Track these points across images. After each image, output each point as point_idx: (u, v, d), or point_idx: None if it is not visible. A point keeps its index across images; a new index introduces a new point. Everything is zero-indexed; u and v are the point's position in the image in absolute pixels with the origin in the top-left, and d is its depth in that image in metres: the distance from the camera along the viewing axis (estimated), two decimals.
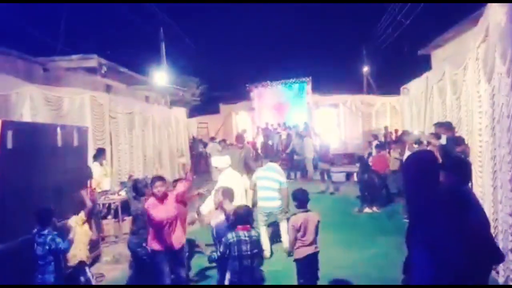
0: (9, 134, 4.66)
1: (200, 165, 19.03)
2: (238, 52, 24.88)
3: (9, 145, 4.68)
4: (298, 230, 5.14)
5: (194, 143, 20.73)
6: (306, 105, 23.14)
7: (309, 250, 5.23)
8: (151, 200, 5.31)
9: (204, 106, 23.27)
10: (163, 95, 19.26)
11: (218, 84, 23.15)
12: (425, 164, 3.14)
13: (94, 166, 9.18)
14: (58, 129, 5.88)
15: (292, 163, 16.34)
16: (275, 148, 17.04)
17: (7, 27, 9.95)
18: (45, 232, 4.65)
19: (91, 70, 12.23)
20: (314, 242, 5.28)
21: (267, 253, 7.17)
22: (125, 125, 12.19)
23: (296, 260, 5.27)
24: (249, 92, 23.97)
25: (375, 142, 15.18)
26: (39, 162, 5.31)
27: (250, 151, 10.46)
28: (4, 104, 7.92)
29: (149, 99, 18.48)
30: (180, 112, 19.12)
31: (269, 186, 7.21)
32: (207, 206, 6.07)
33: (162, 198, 5.27)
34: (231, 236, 4.38)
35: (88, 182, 7.63)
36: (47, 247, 4.60)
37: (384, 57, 27.23)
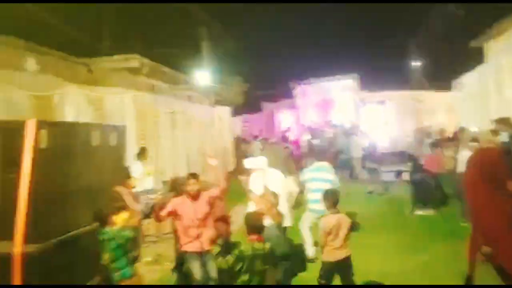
0: (43, 133, 4.54)
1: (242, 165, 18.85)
2: (281, 49, 24.39)
3: (43, 144, 4.56)
4: (329, 233, 4.80)
5: (238, 142, 20.55)
6: (352, 102, 22.42)
7: (340, 254, 4.87)
8: (179, 199, 5.11)
9: (247, 105, 23.03)
10: (206, 95, 19.20)
11: (261, 82, 22.84)
12: (489, 163, 2.67)
13: (136, 165, 9.11)
14: (94, 128, 5.75)
15: (338, 163, 15.75)
16: (321, 147, 16.49)
17: (51, 28, 10.08)
18: (107, 229, 4.69)
19: (134, 70, 12.26)
20: (345, 246, 4.93)
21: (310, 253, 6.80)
22: (168, 124, 12.13)
23: (324, 262, 4.94)
24: (293, 89, 23.52)
25: (427, 140, 14.39)
26: (74, 162, 5.20)
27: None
28: (47, 104, 7.98)
29: (192, 98, 18.49)
30: (224, 111, 18.98)
31: (321, 188, 6.70)
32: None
33: (194, 197, 5.03)
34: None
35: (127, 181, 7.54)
36: (114, 242, 4.61)
37: (434, 51, 25.95)
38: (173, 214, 5.10)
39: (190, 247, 5.08)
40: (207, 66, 19.03)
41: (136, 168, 9.04)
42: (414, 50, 27.80)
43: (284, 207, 5.82)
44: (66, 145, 5.06)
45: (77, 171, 5.28)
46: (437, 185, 10.32)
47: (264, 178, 5.75)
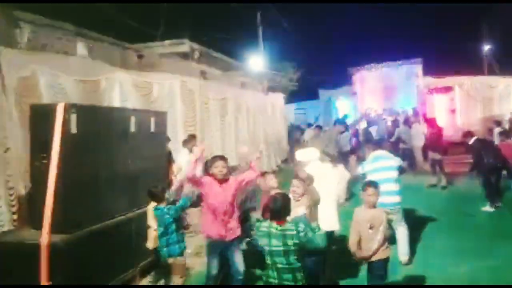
0: (73, 118, 4.31)
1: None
2: (338, 33, 23.38)
3: (73, 129, 4.33)
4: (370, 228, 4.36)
5: (291, 129, 19.99)
6: (416, 88, 21.08)
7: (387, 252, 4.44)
8: (209, 178, 4.81)
9: (302, 92, 22.37)
10: (260, 81, 18.79)
11: (317, 68, 22.08)
12: None
13: (183, 153, 8.89)
14: (132, 114, 5.49)
15: (398, 153, 14.78)
16: (379, 137, 15.55)
17: (102, 14, 10.07)
18: (162, 205, 4.86)
19: (184, 56, 12.06)
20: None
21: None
22: (217, 111, 11.84)
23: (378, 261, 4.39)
24: (351, 76, 22.51)
25: (497, 129, 13.14)
26: (109, 148, 4.96)
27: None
28: (94, 90, 7.89)
29: (245, 85, 18.15)
30: (277, 98, 18.50)
31: (388, 178, 5.96)
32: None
33: (221, 181, 4.70)
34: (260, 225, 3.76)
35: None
36: (167, 216, 4.71)
37: (507, 34, 23.79)
38: (202, 188, 4.80)
39: (214, 233, 4.78)
40: (260, 52, 18.55)
41: (182, 155, 8.82)
42: (484, 32, 25.66)
43: (331, 208, 5.12)
44: (100, 130, 4.83)
45: (113, 158, 5.05)
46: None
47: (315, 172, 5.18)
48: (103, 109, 4.81)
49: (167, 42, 11.21)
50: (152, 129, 5.90)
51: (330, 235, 4.86)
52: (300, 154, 5.42)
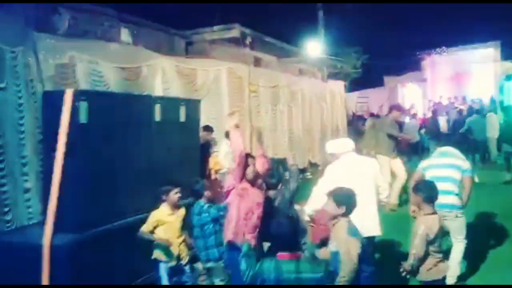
0: (83, 106, 3.96)
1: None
2: (406, 14, 21.68)
3: (82, 119, 3.98)
4: (431, 241, 3.57)
5: (353, 119, 18.94)
6: (493, 74, 19.22)
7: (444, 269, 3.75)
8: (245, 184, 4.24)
9: (366, 79, 21.11)
10: (319, 68, 17.91)
11: (382, 53, 20.60)
12: None
13: (224, 145, 8.46)
14: (157, 102, 5.07)
15: (469, 145, 13.39)
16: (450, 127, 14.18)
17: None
18: (201, 202, 4.55)
19: (235, 41, 11.57)
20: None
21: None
22: (268, 99, 11.28)
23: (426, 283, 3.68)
24: (420, 60, 21.08)
25: None
26: (126, 140, 4.58)
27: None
28: (135, 77, 7.64)
29: (303, 72, 17.38)
30: (337, 86, 17.54)
31: (447, 176, 5.05)
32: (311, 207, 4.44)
33: (250, 182, 4.28)
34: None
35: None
36: (205, 215, 4.46)
37: None
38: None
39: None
40: (320, 36, 17.63)
41: (223, 147, 8.39)
42: None
43: (370, 208, 4.25)
44: (117, 120, 4.44)
45: (133, 151, 4.67)
46: None
47: (349, 170, 4.32)
48: (120, 96, 4.42)
49: (216, 27, 10.74)
50: (182, 118, 5.47)
51: (370, 241, 4.11)
52: (331, 146, 4.64)
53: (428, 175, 5.24)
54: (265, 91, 11.08)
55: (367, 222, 4.01)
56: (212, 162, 7.37)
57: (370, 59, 20.59)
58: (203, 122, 9.00)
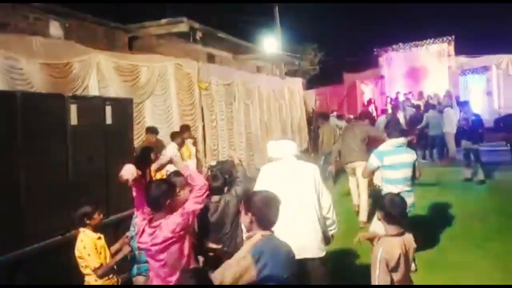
0: None
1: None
2: (363, 11, 21.58)
3: None
4: (393, 269, 2.84)
5: (314, 117, 18.55)
6: (448, 69, 19.33)
7: None
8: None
9: (325, 76, 20.79)
10: (278, 65, 17.43)
11: (340, 50, 20.39)
12: None
13: (168, 148, 7.74)
14: (73, 102, 4.29)
15: (427, 140, 13.24)
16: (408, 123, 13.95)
17: None
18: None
19: (185, 37, 10.85)
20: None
21: None
22: (222, 97, 10.62)
23: None
24: (377, 57, 20.90)
25: None
26: (30, 149, 3.78)
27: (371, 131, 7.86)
28: (64, 75, 6.80)
29: (261, 69, 16.85)
30: (295, 83, 17.13)
31: (402, 177, 4.89)
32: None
33: None
34: None
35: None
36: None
37: None
38: None
39: None
40: (277, 33, 17.13)
41: (169, 150, 7.67)
42: None
43: (307, 225, 3.49)
44: (17, 125, 3.65)
45: (42, 161, 3.88)
46: None
47: (283, 177, 3.57)
48: (21, 96, 3.61)
49: (163, 21, 9.96)
50: (108, 120, 4.73)
51: (303, 265, 3.26)
52: (271, 148, 3.84)
53: (384, 175, 4.90)
54: (218, 89, 10.42)
55: (299, 241, 3.16)
56: (153, 171, 6.53)
57: (328, 56, 20.31)
58: (149, 122, 8.30)
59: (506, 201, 7.97)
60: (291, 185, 3.48)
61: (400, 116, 14.64)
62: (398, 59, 20.69)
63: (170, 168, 6.86)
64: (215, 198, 4.20)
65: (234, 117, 11.24)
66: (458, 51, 19.28)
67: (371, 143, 7.36)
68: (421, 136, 13.29)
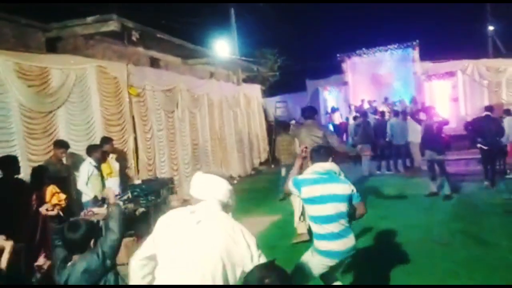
0: None
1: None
2: (325, 15, 20.78)
3: None
4: None
5: (274, 126, 17.49)
6: (413, 75, 18.71)
7: None
8: None
9: (287, 83, 19.84)
10: (234, 71, 16.34)
11: (302, 55, 19.52)
12: None
13: (85, 164, 6.49)
14: None
15: (391, 150, 12.39)
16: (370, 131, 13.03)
17: None
18: None
19: (121, 38, 9.61)
20: None
21: None
22: (160, 105, 9.41)
23: None
24: (341, 63, 20.08)
25: (508, 119, 10.87)
26: None
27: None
28: None
29: (216, 75, 15.70)
30: (253, 90, 16.08)
31: (329, 215, 3.53)
32: None
33: None
34: None
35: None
36: None
37: None
38: None
39: None
40: (233, 36, 16.08)
41: (83, 168, 6.43)
42: (489, 10, 23.06)
43: None
44: None
45: None
46: None
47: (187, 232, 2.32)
48: None
49: (89, 19, 8.67)
50: None
51: None
52: (195, 182, 2.52)
53: (309, 211, 3.70)
54: (155, 95, 9.20)
55: None
56: (49, 194, 5.19)
57: (289, 62, 19.37)
58: (63, 136, 7.01)
59: (475, 221, 6.98)
60: (186, 259, 2.26)
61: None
62: (362, 65, 19.97)
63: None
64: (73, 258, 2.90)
65: (176, 127, 10.03)
66: (423, 56, 18.69)
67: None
68: (385, 145, 12.45)
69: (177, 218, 2.41)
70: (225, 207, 2.51)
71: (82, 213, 5.82)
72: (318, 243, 3.57)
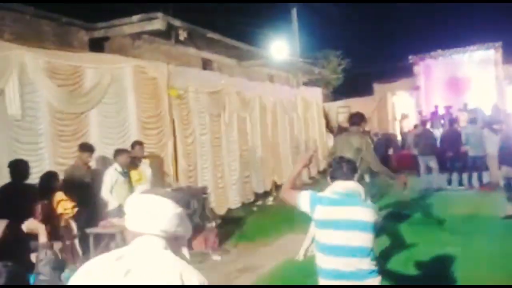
0: None
1: None
2: (395, 13, 19.33)
3: None
4: None
5: (337, 132, 16.47)
6: (494, 80, 16.82)
7: None
8: None
9: (353, 86, 18.70)
10: (294, 74, 15.59)
11: (368, 57, 18.26)
12: None
13: (110, 171, 6.07)
14: None
15: (465, 162, 10.93)
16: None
17: None
18: None
19: (163, 36, 9.28)
20: None
21: None
22: (205, 108, 8.91)
23: None
24: (413, 65, 18.58)
25: None
26: None
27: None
28: None
29: (274, 78, 15.06)
30: (313, 93, 15.21)
31: (342, 246, 2.74)
32: None
33: None
34: None
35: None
36: None
37: None
38: None
39: None
40: (293, 37, 15.33)
41: (106, 176, 6.01)
42: None
43: None
44: None
45: None
46: None
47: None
48: None
49: (134, 17, 8.39)
50: None
51: None
52: (128, 210, 1.90)
53: (320, 239, 2.90)
54: (198, 98, 8.71)
55: None
56: (55, 201, 4.76)
57: (355, 64, 18.22)
58: (95, 139, 6.71)
59: None
60: None
61: (436, 133, 12.36)
62: (437, 68, 18.36)
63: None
64: None
65: (222, 131, 9.48)
66: (507, 59, 16.74)
67: None
68: (457, 157, 11.01)
69: (98, 268, 1.70)
70: (173, 240, 1.77)
71: (100, 224, 5.39)
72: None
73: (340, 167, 2.96)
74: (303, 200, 2.93)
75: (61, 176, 5.89)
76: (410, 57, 18.66)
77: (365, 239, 2.72)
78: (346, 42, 17.72)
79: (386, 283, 2.95)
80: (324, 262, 2.79)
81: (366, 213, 2.77)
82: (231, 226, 8.02)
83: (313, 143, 14.78)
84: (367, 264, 2.73)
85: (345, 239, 2.71)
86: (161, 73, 7.71)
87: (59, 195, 4.80)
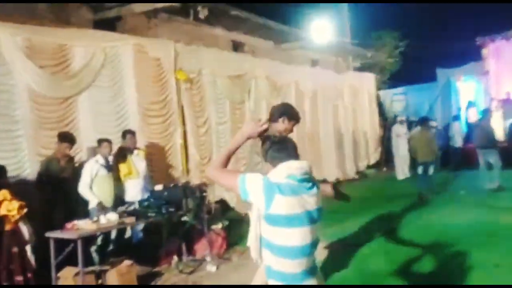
0: None
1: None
2: None
3: None
4: None
5: (392, 123, 14.79)
6: None
7: None
8: None
9: (408, 71, 16.86)
10: (344, 58, 14.15)
11: (429, 39, 16.34)
12: None
13: (90, 163, 5.22)
14: None
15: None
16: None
17: None
18: None
19: (178, 14, 8.35)
20: None
21: None
22: (224, 94, 7.88)
23: None
24: (481, 48, 16.41)
25: None
26: None
27: None
28: None
29: (319, 63, 13.70)
30: (362, 79, 13.66)
31: (314, 241, 2.20)
32: None
33: None
34: None
35: None
36: None
37: None
38: None
39: None
40: (343, 17, 13.88)
41: (87, 168, 5.17)
42: None
43: None
44: None
45: None
46: None
47: None
48: None
49: None
50: None
51: None
52: None
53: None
54: (215, 82, 7.69)
55: None
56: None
57: (414, 47, 16.34)
58: (86, 126, 5.93)
59: None
60: None
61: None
62: (509, 50, 16.04)
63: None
64: None
65: (247, 120, 8.40)
66: None
67: None
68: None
69: None
70: None
71: (66, 226, 4.50)
72: None
73: (285, 147, 2.23)
74: (251, 185, 2.12)
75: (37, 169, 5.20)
76: (477, 38, 16.55)
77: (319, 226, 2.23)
78: (404, 21, 15.84)
79: None
80: (290, 267, 2.15)
81: (320, 197, 2.24)
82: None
83: (363, 135, 13.33)
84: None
85: (312, 235, 2.17)
86: (166, 53, 6.78)
87: (2, 194, 3.99)
